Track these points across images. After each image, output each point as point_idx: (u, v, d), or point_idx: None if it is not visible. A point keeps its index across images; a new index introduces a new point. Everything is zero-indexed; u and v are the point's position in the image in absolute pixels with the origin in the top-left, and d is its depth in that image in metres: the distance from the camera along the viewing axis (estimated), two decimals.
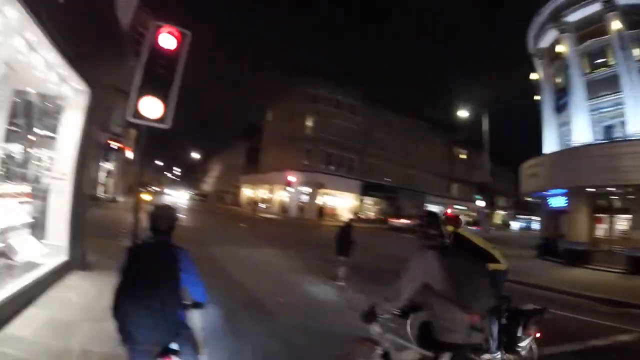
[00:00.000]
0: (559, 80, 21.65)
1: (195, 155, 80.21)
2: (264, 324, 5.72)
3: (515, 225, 70.48)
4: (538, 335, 4.34)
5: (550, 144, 21.66)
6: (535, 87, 25.19)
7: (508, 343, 4.10)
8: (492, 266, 4.71)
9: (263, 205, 45.72)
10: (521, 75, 26.74)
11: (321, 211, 38.19)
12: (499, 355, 4.07)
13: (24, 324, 4.20)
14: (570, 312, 8.31)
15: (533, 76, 25.19)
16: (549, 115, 22.12)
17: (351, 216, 14.05)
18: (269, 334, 5.31)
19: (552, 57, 22.27)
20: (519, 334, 4.10)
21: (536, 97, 24.64)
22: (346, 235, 9.30)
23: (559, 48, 20.64)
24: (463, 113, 23.78)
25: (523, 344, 4.20)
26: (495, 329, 4.07)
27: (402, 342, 3.08)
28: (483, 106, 22.09)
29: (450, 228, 5.28)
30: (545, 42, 22.73)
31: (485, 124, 21.95)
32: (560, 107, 20.82)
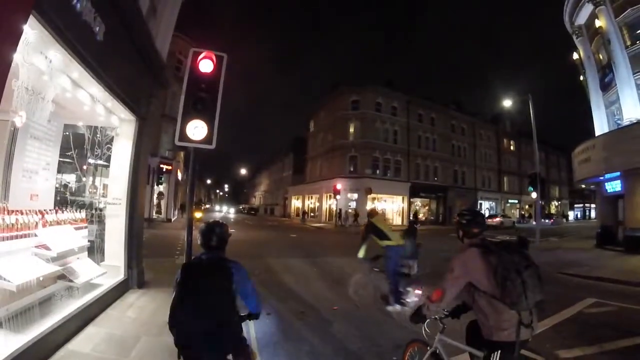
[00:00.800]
0: (600, 57, 20.42)
1: (244, 171, 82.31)
2: (319, 333, 5.68)
3: (572, 215, 67.33)
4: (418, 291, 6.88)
5: (600, 126, 20.42)
6: (578, 67, 23.86)
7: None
8: (384, 242, 7.13)
9: (312, 214, 46.09)
10: (564, 58, 25.31)
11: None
12: (397, 306, 6.76)
13: (85, 341, 4.48)
14: (634, 303, 7.82)
15: (575, 56, 23.87)
16: (596, 95, 20.85)
17: (412, 218, 13.51)
18: (324, 342, 5.27)
19: (590, 33, 21.04)
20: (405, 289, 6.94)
21: (582, 78, 23.34)
22: (410, 236, 9.13)
23: (597, 23, 19.39)
24: (507, 102, 22.83)
25: (408, 299, 6.83)
26: (393, 286, 6.90)
27: (452, 342, 3.05)
28: (527, 93, 21.05)
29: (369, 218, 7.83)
30: (581, 19, 21.55)
31: (531, 112, 21.00)
32: (606, 85, 19.55)
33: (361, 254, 7.43)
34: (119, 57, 5.60)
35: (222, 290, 2.53)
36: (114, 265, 6.61)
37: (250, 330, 5.24)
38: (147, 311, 5.91)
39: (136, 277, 7.19)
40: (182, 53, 24.63)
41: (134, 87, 6.47)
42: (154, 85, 7.82)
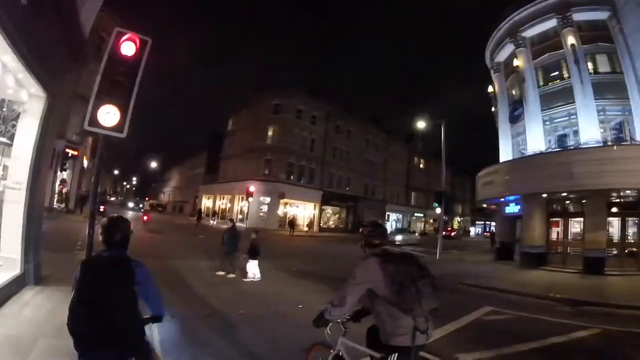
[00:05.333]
0: (514, 92, 22.63)
1: (154, 164, 77.50)
2: (224, 336, 5.64)
3: (473, 230, 73.65)
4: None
5: (505, 153, 22.58)
6: (491, 99, 26.15)
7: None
8: None
9: (214, 222, 41.34)
10: (480, 89, 27.70)
11: (292, 223, 37.57)
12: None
13: None
14: (528, 312, 8.61)
15: (490, 89, 26.17)
16: (505, 126, 23.05)
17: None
18: (229, 346, 5.25)
19: (508, 70, 23.25)
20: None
21: (494, 109, 25.58)
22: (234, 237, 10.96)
23: (515, 62, 21.48)
24: (422, 124, 24.64)
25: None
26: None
27: (354, 345, 3.16)
28: (441, 117, 22.92)
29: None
30: (502, 56, 23.70)
31: (443, 135, 22.78)
32: (515, 117, 21.72)
33: None
34: (40, 25, 5.01)
35: (123, 290, 2.45)
36: (9, 257, 5.99)
37: (154, 333, 5.02)
38: (44, 310, 5.47)
39: (33, 272, 6.55)
40: (106, 30, 22.74)
41: (49, 60, 5.81)
42: (70, 60, 7.11)
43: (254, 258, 10.34)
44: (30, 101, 6.22)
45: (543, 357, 5.64)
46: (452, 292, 10.26)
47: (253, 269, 10.30)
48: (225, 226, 11.84)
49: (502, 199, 20.86)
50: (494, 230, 32.03)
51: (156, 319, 2.76)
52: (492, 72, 25.25)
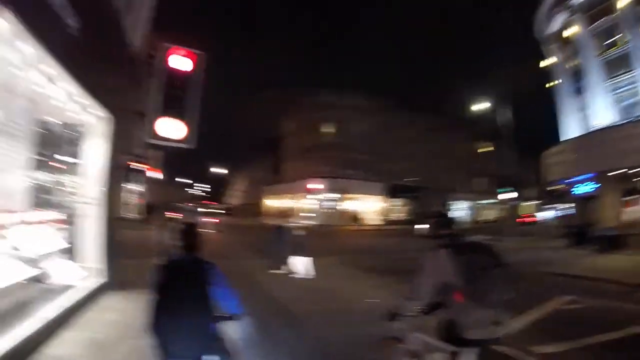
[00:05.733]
0: (572, 64, 21.03)
1: (221, 171, 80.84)
2: (297, 332, 5.68)
3: (546, 214, 68.98)
4: None
5: (570, 130, 21.04)
6: (549, 73, 24.52)
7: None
8: None
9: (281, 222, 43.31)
10: (537, 63, 25.96)
11: (357, 217, 37.67)
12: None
13: (64, 345, 4.37)
14: (607, 300, 8.05)
15: (544, 63, 24.49)
16: (567, 101, 21.50)
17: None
18: (302, 342, 5.28)
19: (563, 41, 21.64)
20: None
21: (552, 84, 23.96)
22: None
23: (569, 31, 20.05)
24: (483, 106, 23.61)
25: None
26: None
27: (427, 338, 3.09)
28: (502, 97, 21.84)
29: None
30: (554, 27, 22.11)
31: (507, 115, 21.68)
32: (577, 91, 20.22)
33: None
34: (92, 52, 5.43)
35: (198, 289, 2.54)
36: (91, 267, 6.48)
37: (231, 332, 5.19)
38: (126, 313, 5.81)
39: (114, 279, 7.04)
40: (159, 49, 23.96)
41: (107, 83, 6.29)
42: (127, 81, 7.61)
43: (300, 255, 10.39)
44: (97, 122, 6.73)
45: (624, 348, 5.25)
46: (526, 280, 9.76)
47: (301, 265, 10.35)
48: (289, 224, 12.01)
49: (572, 180, 19.47)
50: (566, 214, 30.02)
51: (233, 317, 2.87)
52: (546, 45, 23.56)
